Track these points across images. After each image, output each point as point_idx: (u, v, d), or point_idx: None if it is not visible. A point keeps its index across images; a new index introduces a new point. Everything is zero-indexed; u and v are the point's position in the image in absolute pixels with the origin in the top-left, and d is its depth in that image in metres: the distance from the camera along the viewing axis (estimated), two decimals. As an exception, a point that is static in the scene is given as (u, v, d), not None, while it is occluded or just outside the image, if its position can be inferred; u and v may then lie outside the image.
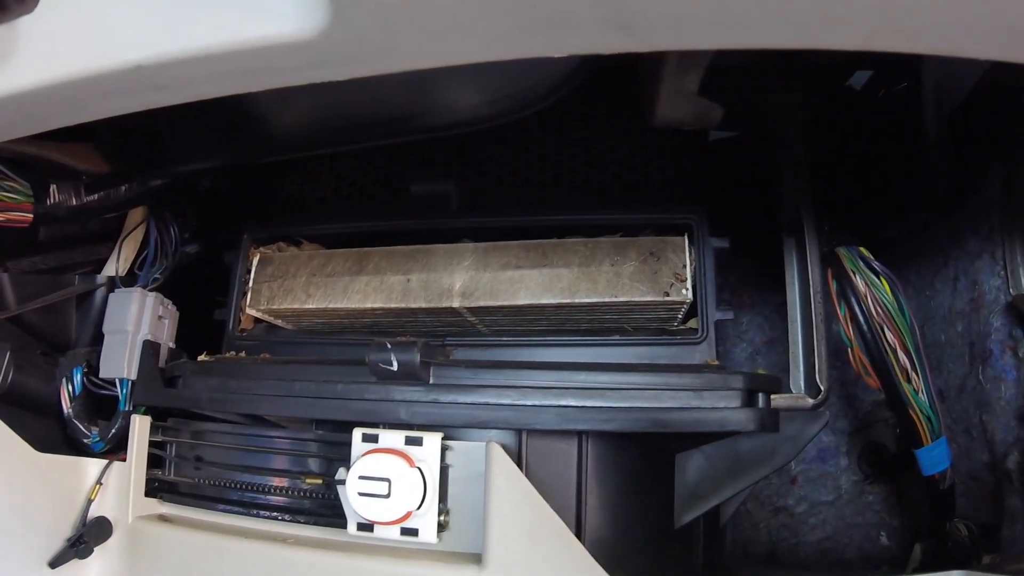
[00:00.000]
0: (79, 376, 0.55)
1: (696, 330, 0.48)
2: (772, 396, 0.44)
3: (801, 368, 0.49)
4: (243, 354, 0.54)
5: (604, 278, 0.46)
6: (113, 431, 0.54)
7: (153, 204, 0.60)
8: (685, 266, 0.46)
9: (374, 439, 0.44)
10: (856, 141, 0.63)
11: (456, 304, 0.47)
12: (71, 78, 0.29)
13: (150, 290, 0.57)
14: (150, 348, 0.54)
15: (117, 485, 0.52)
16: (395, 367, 0.43)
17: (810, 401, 0.48)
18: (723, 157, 0.68)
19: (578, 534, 0.41)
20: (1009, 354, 0.56)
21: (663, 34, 0.25)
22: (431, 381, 0.44)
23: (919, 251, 0.65)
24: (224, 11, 0.27)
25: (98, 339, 0.56)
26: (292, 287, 0.51)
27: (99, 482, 0.52)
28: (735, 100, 0.49)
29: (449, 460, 0.44)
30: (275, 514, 0.48)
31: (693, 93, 0.44)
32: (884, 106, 0.63)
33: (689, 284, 0.46)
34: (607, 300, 0.45)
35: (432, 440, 0.43)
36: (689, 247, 0.48)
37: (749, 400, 0.42)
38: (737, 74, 0.53)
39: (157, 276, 0.59)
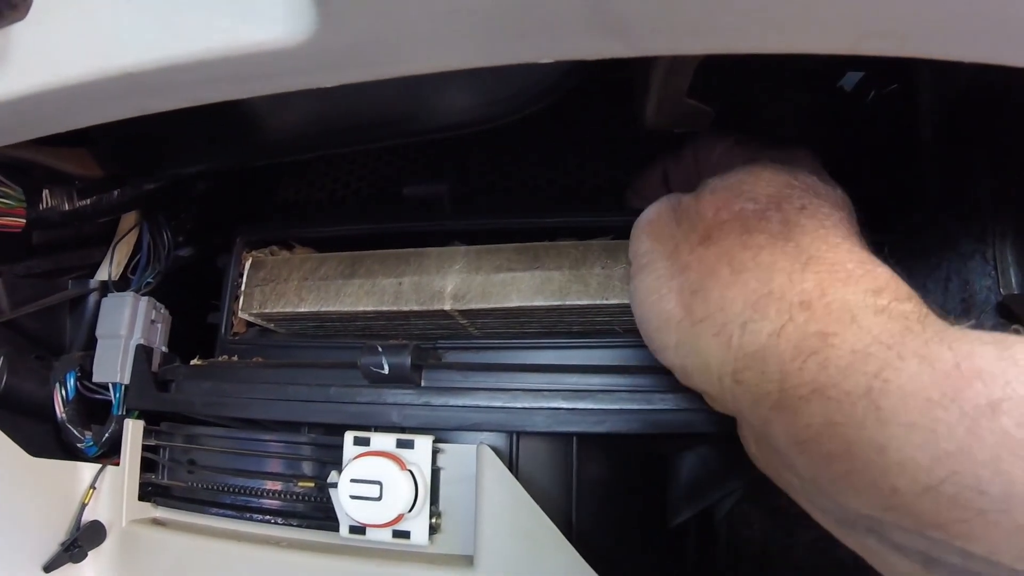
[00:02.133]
0: (72, 380, 0.55)
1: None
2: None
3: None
4: (236, 358, 0.54)
5: (595, 280, 0.46)
6: (106, 435, 0.54)
7: (146, 208, 0.60)
8: (676, 268, 0.46)
9: (366, 442, 0.44)
10: (846, 143, 0.63)
11: (448, 307, 0.47)
12: (63, 84, 0.29)
13: (143, 294, 0.57)
14: (143, 352, 0.54)
15: (111, 489, 0.52)
16: (386, 370, 0.43)
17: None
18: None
19: (569, 536, 0.41)
20: (1000, 354, 0.56)
21: (652, 39, 0.26)
22: (422, 384, 0.44)
23: (911, 252, 0.65)
24: (214, 17, 0.27)
25: (91, 343, 0.56)
26: (285, 291, 0.52)
27: (93, 486, 0.52)
28: (726, 102, 0.49)
29: (441, 463, 0.44)
30: (268, 517, 0.48)
31: (683, 96, 0.44)
32: (874, 107, 0.63)
33: (680, 286, 0.46)
34: (598, 302, 0.45)
35: (423, 443, 0.43)
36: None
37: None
38: (728, 76, 0.54)
39: (150, 280, 0.59)
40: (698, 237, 0.32)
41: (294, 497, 0.48)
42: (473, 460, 0.43)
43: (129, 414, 0.54)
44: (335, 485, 0.43)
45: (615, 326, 0.49)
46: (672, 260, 0.33)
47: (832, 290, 0.25)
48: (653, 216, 0.37)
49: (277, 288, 0.52)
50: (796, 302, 0.26)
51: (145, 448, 0.53)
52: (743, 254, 0.29)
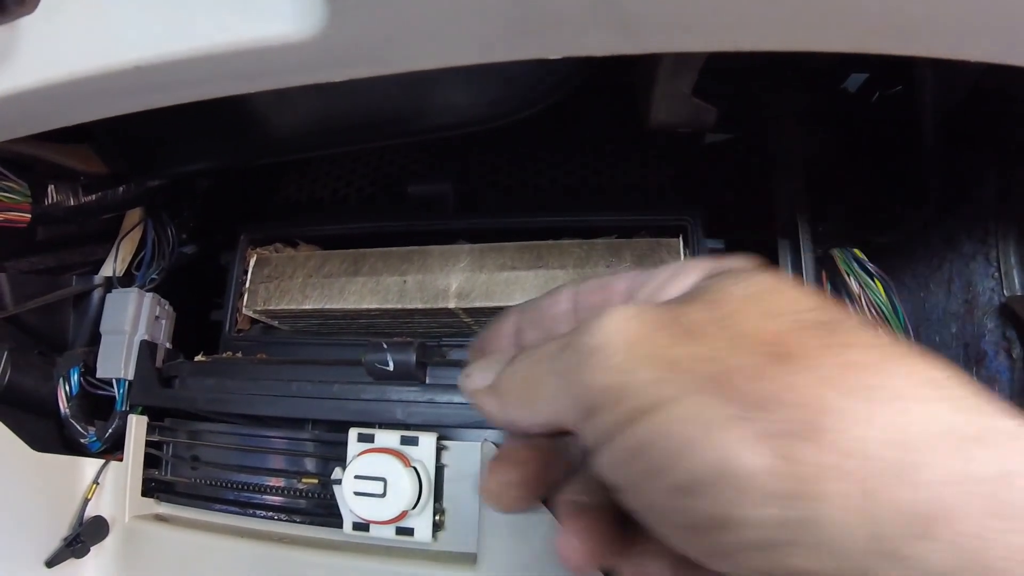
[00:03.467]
0: (76, 376, 0.55)
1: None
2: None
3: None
4: (240, 354, 0.54)
5: (599, 279, 0.46)
6: (110, 431, 0.54)
7: (151, 205, 0.60)
8: (680, 267, 0.46)
9: (370, 439, 0.44)
10: (850, 144, 0.63)
11: (452, 305, 0.47)
12: (71, 78, 0.29)
13: (147, 291, 0.57)
14: (147, 348, 0.55)
15: (114, 485, 0.52)
16: (391, 367, 0.43)
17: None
18: (718, 159, 0.68)
19: (572, 533, 0.41)
20: (1003, 355, 0.56)
21: (658, 36, 0.26)
22: (427, 381, 0.44)
23: (914, 253, 0.65)
24: (223, 12, 0.27)
25: (95, 339, 0.56)
26: (289, 288, 0.52)
27: (96, 482, 0.52)
28: (730, 102, 0.49)
29: (445, 460, 0.44)
30: (271, 514, 0.48)
31: (687, 95, 0.44)
32: (878, 109, 0.63)
33: (684, 285, 0.46)
34: (603, 301, 0.45)
35: (428, 440, 0.43)
36: (684, 248, 0.48)
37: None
38: (732, 76, 0.54)
39: (154, 276, 0.59)
40: (765, 356, 0.18)
41: (297, 494, 0.48)
42: (477, 457, 0.43)
43: (133, 410, 0.54)
44: (339, 482, 0.43)
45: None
46: (723, 395, 0.18)
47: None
48: (633, 334, 0.19)
49: (281, 285, 0.52)
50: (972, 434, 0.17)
51: (148, 444, 0.53)
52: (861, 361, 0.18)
